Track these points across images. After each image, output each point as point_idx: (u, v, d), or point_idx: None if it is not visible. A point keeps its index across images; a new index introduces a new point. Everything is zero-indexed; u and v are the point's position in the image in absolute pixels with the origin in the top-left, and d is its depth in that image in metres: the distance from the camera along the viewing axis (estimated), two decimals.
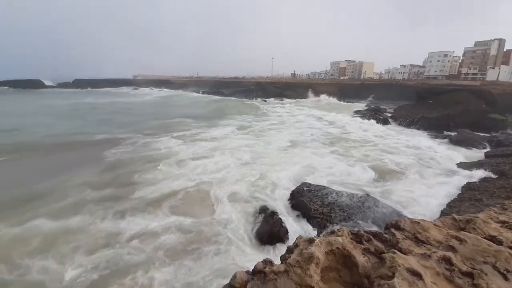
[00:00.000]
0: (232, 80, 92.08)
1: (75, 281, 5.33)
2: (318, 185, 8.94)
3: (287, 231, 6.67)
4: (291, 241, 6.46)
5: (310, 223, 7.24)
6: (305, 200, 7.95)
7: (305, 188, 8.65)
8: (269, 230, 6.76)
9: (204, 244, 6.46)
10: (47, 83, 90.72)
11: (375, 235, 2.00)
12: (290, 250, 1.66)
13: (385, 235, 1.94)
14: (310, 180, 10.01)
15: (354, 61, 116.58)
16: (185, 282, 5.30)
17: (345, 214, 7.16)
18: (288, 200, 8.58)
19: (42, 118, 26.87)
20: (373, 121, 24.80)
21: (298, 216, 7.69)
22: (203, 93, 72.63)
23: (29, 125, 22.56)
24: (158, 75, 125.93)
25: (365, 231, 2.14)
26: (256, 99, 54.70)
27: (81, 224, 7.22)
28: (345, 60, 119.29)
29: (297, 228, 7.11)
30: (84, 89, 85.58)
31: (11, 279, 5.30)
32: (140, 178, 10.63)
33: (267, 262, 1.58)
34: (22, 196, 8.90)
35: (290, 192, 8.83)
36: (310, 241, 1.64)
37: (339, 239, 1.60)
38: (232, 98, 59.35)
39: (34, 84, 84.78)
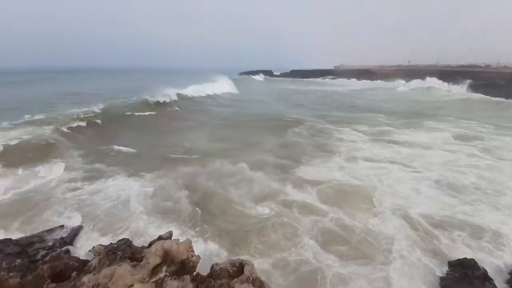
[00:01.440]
0: (464, 69, 67.27)
1: (254, 209, 8.11)
2: None
3: None
4: None
5: None
6: None
7: None
8: None
9: (362, 247, 6.47)
10: (275, 73, 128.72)
11: None
12: None
13: None
14: None
15: None
16: (343, 275, 5.67)
17: None
18: None
19: (264, 97, 39.26)
20: None
21: None
22: (409, 84, 61.28)
23: (256, 101, 34.15)
24: (359, 65, 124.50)
25: None
26: (508, 99, 36.12)
27: (257, 177, 10.21)
28: None
29: None
30: (295, 78, 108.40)
31: (217, 190, 9.21)
32: (307, 159, 12.30)
33: None
34: (241, 146, 14.39)
35: None
36: None
37: None
38: (462, 92, 44.32)
39: (269, 73, 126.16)
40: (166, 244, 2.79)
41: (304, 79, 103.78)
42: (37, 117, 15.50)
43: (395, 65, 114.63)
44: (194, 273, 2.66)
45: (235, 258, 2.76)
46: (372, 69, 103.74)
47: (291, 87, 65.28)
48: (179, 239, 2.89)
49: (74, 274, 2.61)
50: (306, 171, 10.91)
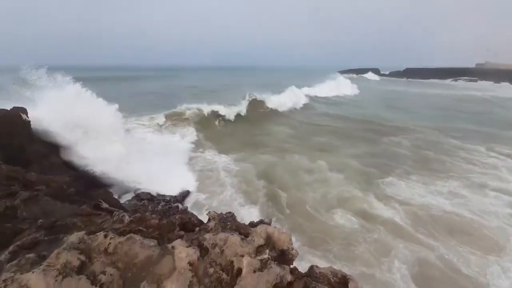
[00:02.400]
0: None
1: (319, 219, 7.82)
2: None
3: None
4: None
5: None
6: None
7: None
8: None
9: None
10: (382, 72, 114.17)
11: None
12: None
13: None
14: None
15: None
16: None
17: None
18: None
19: (368, 96, 35.64)
20: None
21: None
22: None
23: (349, 101, 31.36)
24: None
25: None
26: None
27: (336, 179, 10.03)
28: None
29: None
30: (410, 79, 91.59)
31: (292, 185, 9.49)
32: (400, 173, 10.74)
33: None
34: (324, 146, 14.19)
35: None
36: None
37: None
38: None
39: (376, 71, 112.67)
40: (270, 229, 3.03)
41: (423, 81, 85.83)
42: (183, 103, 19.98)
43: None
44: (292, 266, 2.79)
45: (337, 269, 2.69)
46: None
47: (401, 88, 56.39)
48: (280, 228, 3.10)
49: (197, 229, 3.28)
50: (396, 186, 9.61)
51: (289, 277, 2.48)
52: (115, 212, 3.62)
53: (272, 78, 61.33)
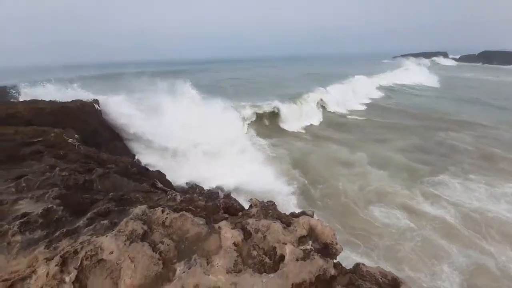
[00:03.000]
0: None
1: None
2: None
3: None
4: None
5: None
6: None
7: None
8: None
9: None
10: (450, 56, 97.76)
11: None
12: None
13: None
14: None
15: None
16: None
17: None
18: None
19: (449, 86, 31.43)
20: None
21: None
22: None
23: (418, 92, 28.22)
24: None
25: None
26: None
27: (376, 174, 9.41)
28: None
29: None
30: (487, 64, 77.30)
31: (328, 176, 9.23)
32: (455, 172, 9.66)
33: None
34: (366, 138, 13.32)
35: None
36: None
37: None
38: None
39: (444, 55, 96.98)
40: (312, 221, 3.00)
41: (504, 67, 71.56)
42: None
43: None
44: (335, 261, 2.72)
45: (387, 270, 2.53)
46: None
47: (467, 75, 48.43)
48: (323, 221, 3.04)
49: (240, 213, 3.43)
50: (448, 185, 8.59)
51: (332, 271, 2.43)
52: (168, 192, 4.01)
53: (323, 68, 58.50)
